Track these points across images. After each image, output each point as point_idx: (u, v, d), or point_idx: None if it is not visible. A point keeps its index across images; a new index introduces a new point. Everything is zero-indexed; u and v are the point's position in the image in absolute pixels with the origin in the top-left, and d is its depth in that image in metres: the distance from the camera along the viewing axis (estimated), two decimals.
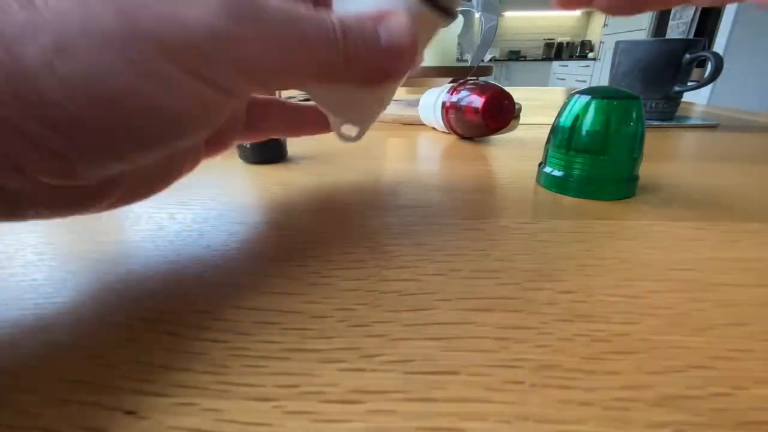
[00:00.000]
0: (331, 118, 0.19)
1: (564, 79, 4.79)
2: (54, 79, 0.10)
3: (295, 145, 0.37)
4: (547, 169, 0.25)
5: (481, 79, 0.50)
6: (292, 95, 0.64)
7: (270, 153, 0.31)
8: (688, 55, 0.45)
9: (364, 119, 0.19)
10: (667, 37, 2.39)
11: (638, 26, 3.23)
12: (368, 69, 0.16)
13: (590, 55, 4.86)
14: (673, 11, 2.53)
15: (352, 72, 0.16)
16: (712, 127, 0.48)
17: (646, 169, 0.28)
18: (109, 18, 0.11)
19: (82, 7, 0.11)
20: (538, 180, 0.26)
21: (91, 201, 0.14)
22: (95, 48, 0.11)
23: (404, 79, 0.18)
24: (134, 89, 0.12)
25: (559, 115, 0.24)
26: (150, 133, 0.13)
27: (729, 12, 2.06)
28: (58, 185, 0.13)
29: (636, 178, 0.23)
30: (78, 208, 0.14)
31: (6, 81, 0.10)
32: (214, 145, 0.19)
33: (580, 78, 4.48)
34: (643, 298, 0.14)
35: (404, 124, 0.50)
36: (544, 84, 5.10)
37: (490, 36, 0.48)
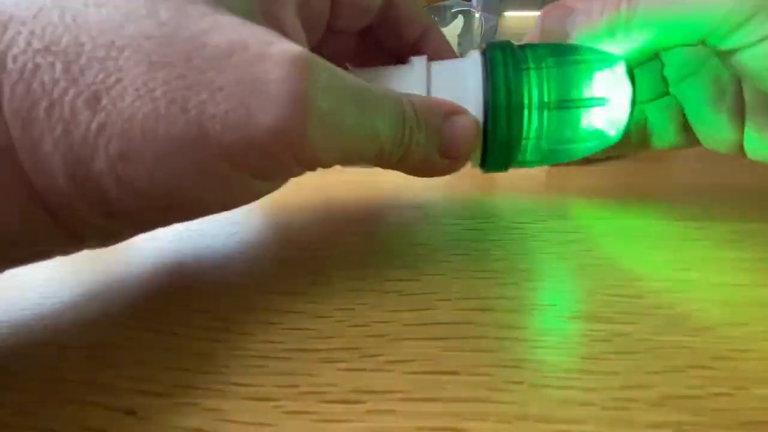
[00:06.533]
0: None
1: None
2: (115, 182, 0.10)
3: None
4: None
5: None
6: None
7: None
8: None
9: None
10: None
11: None
12: (419, 166, 0.15)
13: None
14: None
15: (403, 165, 0.15)
16: None
17: (645, 169, 0.28)
18: (177, 123, 0.10)
19: (149, 110, 0.10)
20: None
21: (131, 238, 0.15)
22: (159, 154, 0.10)
23: None
24: (192, 192, 0.12)
25: None
26: (199, 215, 0.14)
27: None
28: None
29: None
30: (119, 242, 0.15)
31: (74, 181, 0.10)
32: None
33: None
34: (643, 298, 0.14)
35: None
36: None
37: (490, 36, 0.48)
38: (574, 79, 0.16)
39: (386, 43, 0.18)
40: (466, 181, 0.27)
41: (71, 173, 0.10)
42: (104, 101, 0.10)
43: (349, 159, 0.14)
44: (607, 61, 0.16)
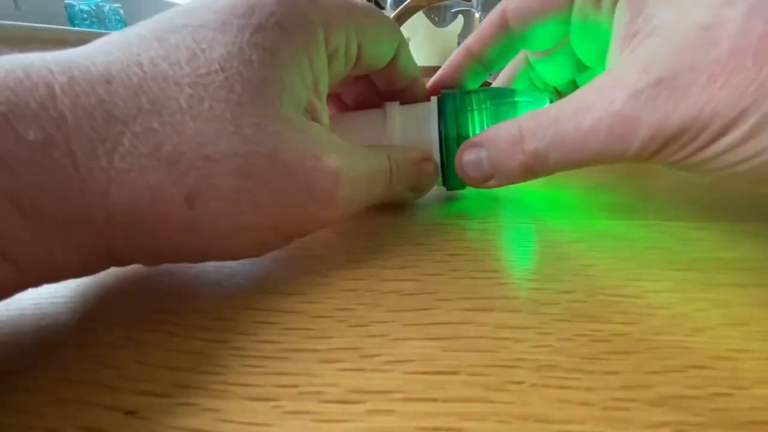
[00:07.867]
0: None
1: None
2: (194, 254, 0.14)
3: None
4: None
5: None
6: None
7: None
8: None
9: None
10: None
11: None
12: (395, 199, 0.21)
13: None
14: None
15: (384, 200, 0.19)
16: None
17: (645, 169, 0.28)
18: (254, 216, 0.14)
19: (234, 209, 0.13)
20: None
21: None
22: (237, 238, 0.14)
23: None
24: (245, 251, 0.15)
25: None
26: (230, 259, 0.16)
27: None
28: None
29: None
30: None
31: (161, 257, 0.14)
32: None
33: None
34: (643, 298, 0.14)
35: None
36: None
37: None
38: (507, 115, 0.21)
39: (378, 83, 0.22)
40: None
41: (167, 256, 0.14)
42: (199, 201, 0.12)
43: (357, 210, 0.17)
44: (536, 99, 0.21)
